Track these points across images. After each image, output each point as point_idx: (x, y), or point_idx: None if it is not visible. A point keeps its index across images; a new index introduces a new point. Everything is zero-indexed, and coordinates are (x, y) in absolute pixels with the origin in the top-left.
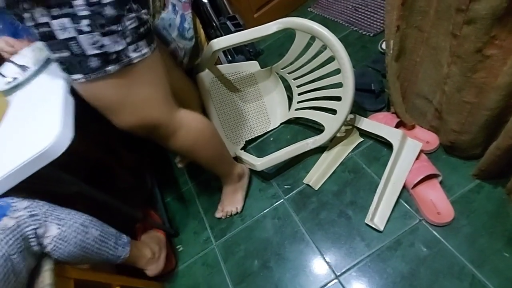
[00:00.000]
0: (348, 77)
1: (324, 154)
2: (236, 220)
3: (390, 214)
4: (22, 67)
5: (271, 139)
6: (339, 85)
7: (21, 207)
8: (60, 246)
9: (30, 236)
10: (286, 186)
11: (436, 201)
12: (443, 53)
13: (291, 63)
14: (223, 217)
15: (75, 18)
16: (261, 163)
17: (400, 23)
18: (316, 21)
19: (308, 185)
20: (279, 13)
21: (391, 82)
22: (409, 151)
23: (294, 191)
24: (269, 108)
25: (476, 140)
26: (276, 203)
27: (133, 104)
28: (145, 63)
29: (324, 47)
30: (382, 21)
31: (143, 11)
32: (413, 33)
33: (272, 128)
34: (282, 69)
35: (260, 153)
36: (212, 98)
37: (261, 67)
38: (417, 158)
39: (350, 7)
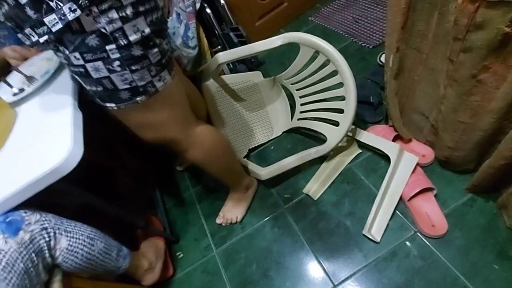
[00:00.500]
0: (350, 92)
1: (324, 164)
2: (237, 228)
3: (387, 226)
4: (30, 78)
5: (272, 147)
6: (341, 97)
7: (34, 220)
8: (69, 258)
9: (44, 249)
10: (286, 196)
11: (431, 214)
12: (440, 74)
13: (294, 75)
14: (223, 224)
15: (107, 60)
16: (265, 172)
17: (400, 44)
18: (316, 31)
19: (307, 195)
20: (281, 22)
21: (390, 98)
22: (405, 165)
23: (294, 201)
24: (272, 117)
25: (470, 156)
26: (276, 212)
27: (156, 124)
28: (167, 89)
29: (327, 61)
30: (381, 33)
31: (164, 42)
32: (411, 53)
33: (274, 137)
34: (285, 79)
35: (261, 161)
36: (217, 106)
37: (264, 77)
38: (413, 171)
39: (350, 18)
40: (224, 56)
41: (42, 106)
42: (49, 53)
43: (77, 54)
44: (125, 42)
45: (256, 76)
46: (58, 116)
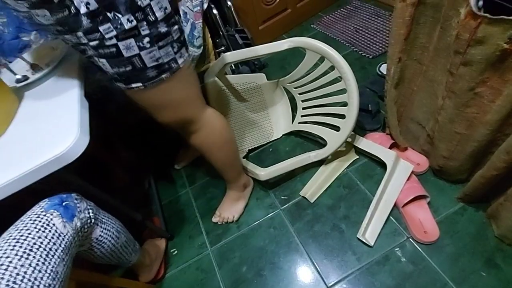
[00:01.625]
0: (353, 98)
1: (321, 168)
2: (232, 227)
3: (381, 230)
4: (34, 66)
5: (270, 149)
6: (342, 103)
7: (83, 208)
8: (96, 247)
9: (84, 236)
10: (283, 197)
11: (424, 221)
12: (439, 86)
13: (298, 79)
14: (219, 223)
15: (138, 37)
16: (265, 173)
17: (402, 55)
18: (318, 38)
19: (304, 197)
20: (283, 28)
21: (389, 107)
22: (401, 172)
23: (290, 202)
24: (273, 119)
25: (463, 166)
26: (272, 213)
27: (176, 103)
28: (186, 67)
29: (331, 68)
30: (381, 44)
31: (179, 20)
32: (412, 64)
33: (274, 139)
34: (288, 83)
35: (259, 163)
36: (219, 106)
37: (267, 80)
38: (408, 179)
39: (352, 28)
40: (231, 56)
41: (48, 93)
42: (55, 42)
43: (112, 33)
44: (153, 18)
45: (260, 78)
46: (64, 104)
